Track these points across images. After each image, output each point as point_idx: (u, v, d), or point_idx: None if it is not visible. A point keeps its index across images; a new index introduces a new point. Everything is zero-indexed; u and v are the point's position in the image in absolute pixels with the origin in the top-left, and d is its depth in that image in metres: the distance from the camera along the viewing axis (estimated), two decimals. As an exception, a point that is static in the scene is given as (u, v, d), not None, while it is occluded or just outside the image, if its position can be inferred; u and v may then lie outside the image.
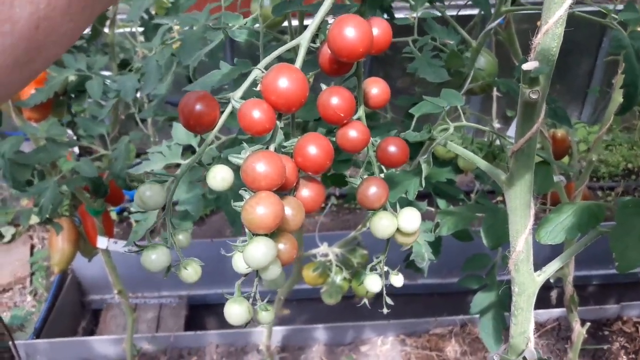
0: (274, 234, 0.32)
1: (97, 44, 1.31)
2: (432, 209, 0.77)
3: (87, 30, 1.28)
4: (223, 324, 2.13)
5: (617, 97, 1.05)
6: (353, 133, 0.35)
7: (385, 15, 0.81)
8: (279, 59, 0.36)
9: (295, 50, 0.35)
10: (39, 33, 0.23)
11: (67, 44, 0.25)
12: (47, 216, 1.07)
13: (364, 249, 1.01)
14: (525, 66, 0.35)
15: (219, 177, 0.34)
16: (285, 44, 0.35)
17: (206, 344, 2.01)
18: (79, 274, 2.26)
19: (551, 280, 1.22)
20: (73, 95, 1.19)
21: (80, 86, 1.14)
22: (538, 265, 0.47)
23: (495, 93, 1.42)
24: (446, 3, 0.91)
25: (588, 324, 1.12)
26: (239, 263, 0.32)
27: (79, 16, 0.24)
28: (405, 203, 0.57)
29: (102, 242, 1.25)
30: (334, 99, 0.34)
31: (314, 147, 0.33)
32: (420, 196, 0.80)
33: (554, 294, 1.45)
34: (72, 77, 1.14)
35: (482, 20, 1.05)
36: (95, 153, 1.19)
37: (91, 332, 2.21)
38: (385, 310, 0.41)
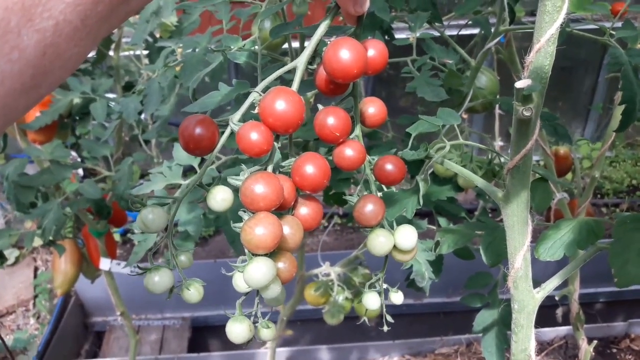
0: (274, 253, 0.32)
1: (103, 67, 1.33)
2: (434, 228, 0.77)
3: (93, 54, 1.30)
4: (226, 345, 2.12)
5: (618, 114, 1.06)
6: (349, 152, 0.35)
7: (386, 37, 0.82)
8: (282, 81, 0.37)
9: (295, 71, 0.35)
10: (46, 59, 0.24)
11: (72, 68, 0.26)
12: (50, 238, 1.07)
13: (366, 268, 1.01)
14: (518, 84, 0.36)
15: (219, 197, 0.35)
16: (283, 66, 0.36)
17: (210, 366, 2.00)
18: (82, 296, 2.25)
19: (557, 298, 1.21)
20: (77, 118, 1.21)
21: (85, 108, 1.15)
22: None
23: (498, 111, 1.43)
24: (447, 23, 0.92)
25: (595, 341, 1.11)
26: (240, 282, 0.33)
27: (84, 41, 0.25)
28: (404, 221, 0.57)
29: (104, 263, 1.25)
30: (330, 118, 0.34)
31: (311, 167, 0.33)
32: (422, 215, 0.80)
33: (559, 311, 1.43)
34: (76, 100, 1.16)
35: (482, 39, 1.06)
36: (99, 175, 1.20)
37: (94, 354, 2.19)
38: (385, 328, 0.41)
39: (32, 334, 2.20)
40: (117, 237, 2.44)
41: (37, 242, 2.23)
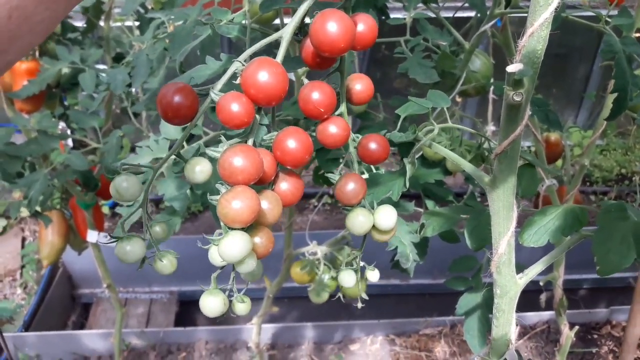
0: (250, 227, 0.32)
1: (93, 37, 1.30)
2: (421, 210, 0.76)
3: (82, 23, 1.27)
4: (213, 320, 2.13)
5: (610, 103, 1.06)
6: (333, 128, 0.35)
7: (382, 17, 0.80)
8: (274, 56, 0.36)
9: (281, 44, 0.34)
10: (12, 23, 0.23)
11: (43, 33, 0.25)
12: (37, 208, 1.06)
13: (352, 248, 1.01)
14: (510, 68, 0.35)
15: (197, 169, 0.34)
16: (268, 37, 0.35)
17: (196, 340, 2.01)
18: (69, 267, 2.25)
19: (541, 284, 1.22)
20: (66, 88, 1.19)
21: (74, 79, 1.13)
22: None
23: (491, 96, 1.42)
24: (442, 5, 0.91)
25: (577, 327, 1.12)
26: (215, 256, 0.32)
27: (55, 4, 0.24)
28: (391, 204, 0.57)
29: (92, 235, 1.24)
30: (315, 93, 0.33)
31: (293, 141, 0.33)
32: (410, 197, 0.80)
33: (543, 297, 1.45)
34: (65, 70, 1.14)
35: (478, 22, 1.05)
36: (88, 146, 1.19)
37: (81, 325, 2.20)
38: (359, 305, 0.41)
39: (19, 304, 2.20)
40: (106, 210, 2.43)
41: (26, 212, 2.22)
